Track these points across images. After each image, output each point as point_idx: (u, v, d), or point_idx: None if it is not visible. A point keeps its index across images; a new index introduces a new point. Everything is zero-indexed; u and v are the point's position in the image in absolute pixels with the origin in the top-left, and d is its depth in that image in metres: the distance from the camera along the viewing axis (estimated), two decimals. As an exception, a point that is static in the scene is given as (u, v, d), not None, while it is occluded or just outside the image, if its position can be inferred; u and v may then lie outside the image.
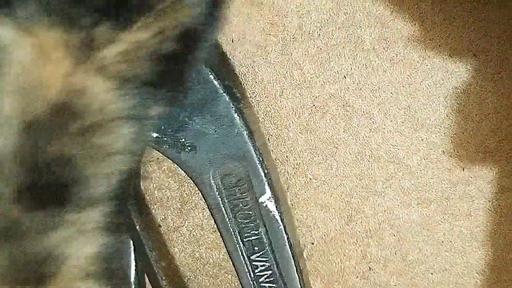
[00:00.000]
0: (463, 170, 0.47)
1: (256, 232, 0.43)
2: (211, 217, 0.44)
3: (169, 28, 0.32)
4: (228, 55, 0.45)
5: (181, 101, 0.38)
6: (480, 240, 0.49)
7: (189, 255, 0.50)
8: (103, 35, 0.30)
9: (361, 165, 0.47)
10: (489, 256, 0.49)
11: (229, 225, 0.43)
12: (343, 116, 0.46)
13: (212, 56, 0.41)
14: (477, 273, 0.49)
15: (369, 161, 0.47)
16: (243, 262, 0.44)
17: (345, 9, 0.44)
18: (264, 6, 0.44)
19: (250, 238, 0.43)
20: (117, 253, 0.37)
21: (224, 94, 0.40)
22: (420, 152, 0.47)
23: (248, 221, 0.43)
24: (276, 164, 0.47)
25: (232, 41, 0.44)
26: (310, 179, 0.48)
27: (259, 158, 0.42)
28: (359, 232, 0.49)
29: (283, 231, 0.43)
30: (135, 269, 0.45)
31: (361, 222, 0.49)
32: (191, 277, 0.50)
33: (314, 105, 0.46)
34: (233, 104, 0.40)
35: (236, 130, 0.41)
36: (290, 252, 0.44)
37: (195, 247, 0.49)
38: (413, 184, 0.48)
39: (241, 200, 0.43)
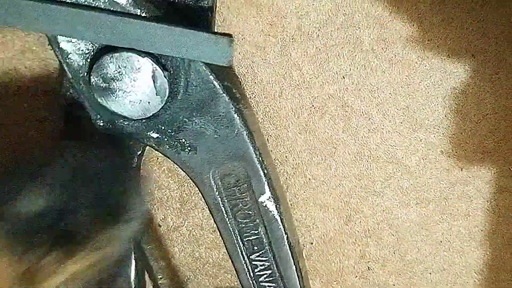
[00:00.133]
0: (462, 170, 0.47)
1: (256, 232, 0.43)
2: (211, 217, 0.44)
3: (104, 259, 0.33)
4: (227, 56, 0.45)
5: None
6: (478, 240, 0.49)
7: (189, 255, 0.50)
8: (48, 266, 0.31)
9: (360, 165, 0.47)
10: (487, 255, 0.49)
11: (229, 225, 0.43)
12: (342, 117, 0.46)
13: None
14: (475, 272, 0.50)
15: (368, 161, 0.47)
16: (243, 261, 0.44)
17: (344, 10, 0.44)
18: (263, 7, 0.44)
19: (250, 238, 0.44)
20: None
21: (224, 94, 0.40)
22: (418, 152, 0.47)
23: (247, 221, 0.43)
24: (276, 164, 0.47)
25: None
26: (309, 179, 0.48)
27: (258, 158, 0.42)
28: (358, 231, 0.49)
29: (283, 231, 0.43)
30: (135, 269, 0.45)
31: (360, 222, 0.49)
32: (191, 276, 0.50)
33: (313, 106, 0.46)
34: (232, 105, 0.40)
35: (236, 130, 0.41)
36: (289, 252, 0.44)
37: (195, 246, 0.50)
38: (411, 184, 0.48)
39: (241, 200, 0.43)
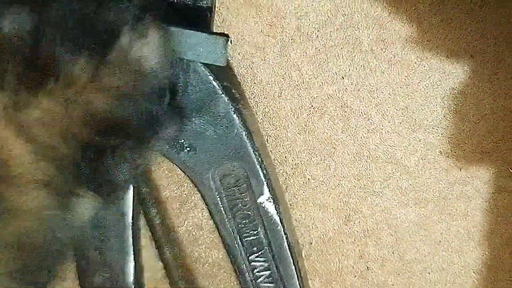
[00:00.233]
0: (460, 170, 0.47)
1: (255, 232, 0.43)
2: (210, 217, 0.44)
3: (79, 103, 0.31)
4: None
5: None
6: (477, 240, 0.49)
7: (188, 255, 0.50)
8: (23, 97, 0.30)
9: (359, 166, 0.47)
10: (486, 255, 0.49)
11: (228, 225, 0.43)
12: (341, 117, 0.46)
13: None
14: (474, 272, 0.50)
15: (367, 161, 0.47)
16: (242, 261, 0.44)
17: (343, 11, 0.44)
18: (263, 8, 0.44)
19: (249, 238, 0.44)
20: None
21: (223, 94, 0.40)
22: (417, 153, 0.47)
23: (247, 221, 0.43)
24: (275, 164, 0.47)
25: (231, 42, 0.44)
26: (308, 179, 0.48)
27: (258, 159, 0.42)
28: (357, 232, 0.49)
29: (282, 231, 0.43)
30: (135, 269, 0.45)
31: (359, 222, 0.49)
32: (190, 276, 0.50)
33: (312, 106, 0.46)
34: (232, 105, 0.40)
35: (235, 131, 0.41)
36: (288, 252, 0.44)
37: (194, 246, 0.49)
38: (410, 184, 0.48)
39: (240, 200, 0.43)
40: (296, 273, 0.45)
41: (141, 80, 0.32)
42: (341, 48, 0.45)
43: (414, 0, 0.44)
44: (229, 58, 0.45)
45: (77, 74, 0.30)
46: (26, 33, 0.30)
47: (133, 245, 0.44)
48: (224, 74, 0.42)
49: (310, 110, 0.46)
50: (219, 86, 0.40)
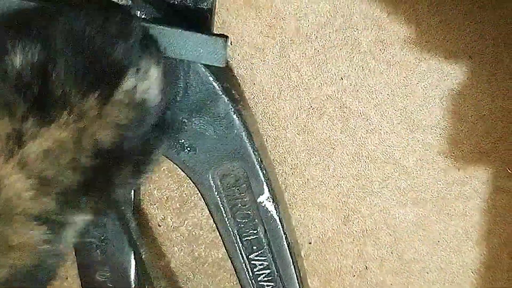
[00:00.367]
0: (459, 170, 0.47)
1: (255, 231, 0.43)
2: (210, 217, 0.44)
3: (88, 135, 0.32)
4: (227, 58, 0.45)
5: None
6: (475, 240, 0.49)
7: (188, 254, 0.50)
8: (29, 129, 0.31)
9: (358, 166, 0.48)
10: (484, 255, 0.49)
11: (228, 224, 0.43)
12: (340, 118, 0.46)
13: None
14: (472, 272, 0.50)
15: (365, 161, 0.47)
16: (242, 261, 0.44)
17: (342, 12, 0.44)
18: (262, 9, 0.44)
19: (249, 238, 0.44)
20: None
21: (223, 95, 0.40)
22: (416, 153, 0.47)
23: (246, 220, 0.43)
24: (274, 164, 0.47)
25: (231, 43, 0.44)
26: (307, 179, 0.48)
27: (257, 159, 0.42)
28: (356, 231, 0.49)
29: (281, 231, 0.43)
30: (135, 269, 0.46)
31: (358, 221, 0.49)
32: (190, 276, 0.50)
33: (311, 107, 0.46)
34: (232, 106, 0.40)
35: (235, 131, 0.41)
36: (288, 251, 0.44)
37: (194, 246, 0.50)
38: (409, 185, 0.48)
39: (240, 200, 0.43)
40: (296, 272, 0.45)
41: (144, 116, 0.34)
42: (340, 49, 0.45)
43: (412, 1, 0.44)
44: (229, 59, 0.45)
45: (86, 110, 0.31)
46: (36, 67, 0.31)
47: (133, 244, 0.45)
48: (224, 75, 0.42)
49: (309, 111, 0.46)
50: (219, 87, 0.40)
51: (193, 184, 0.43)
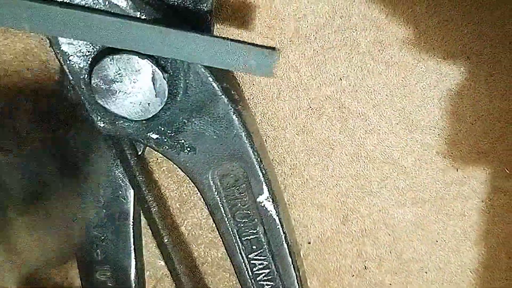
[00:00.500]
0: (457, 170, 0.47)
1: (254, 231, 0.44)
2: (210, 217, 0.44)
3: None
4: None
5: None
6: (473, 239, 0.49)
7: (188, 254, 0.50)
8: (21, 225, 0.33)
9: (356, 166, 0.48)
10: (482, 255, 0.49)
11: (228, 224, 0.43)
12: (339, 118, 0.46)
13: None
14: (470, 271, 0.50)
15: (364, 161, 0.47)
16: (242, 260, 0.44)
17: (341, 13, 0.44)
18: (262, 10, 0.44)
19: (248, 237, 0.44)
20: None
21: (223, 96, 0.40)
22: (414, 153, 0.47)
23: (246, 220, 0.43)
24: (273, 164, 0.48)
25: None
26: (306, 179, 0.48)
27: (257, 159, 0.42)
28: (355, 231, 0.49)
29: (281, 230, 0.44)
30: (135, 269, 0.46)
31: (357, 221, 0.49)
32: (190, 275, 0.50)
33: (310, 107, 0.46)
34: (231, 106, 0.41)
35: (235, 131, 0.41)
36: (287, 251, 0.44)
37: (194, 246, 0.50)
38: (408, 184, 0.48)
39: (240, 200, 0.43)
40: (295, 272, 0.45)
41: None
42: (339, 50, 0.45)
43: (411, 2, 0.44)
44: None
45: None
46: None
47: (134, 244, 0.45)
48: (224, 75, 0.42)
49: (308, 111, 0.46)
50: (218, 88, 0.40)
51: (192, 184, 0.43)
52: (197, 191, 0.43)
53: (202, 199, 0.43)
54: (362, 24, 0.44)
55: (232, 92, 0.41)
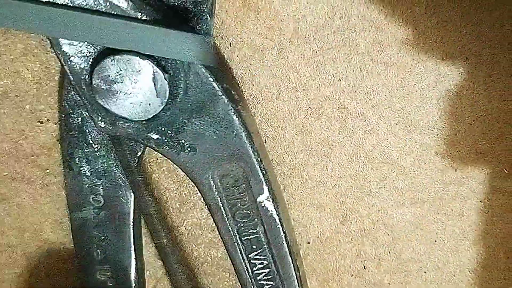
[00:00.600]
0: (456, 171, 0.48)
1: (254, 231, 0.44)
2: (210, 217, 0.44)
3: None
4: (226, 59, 0.45)
5: None
6: (472, 239, 0.49)
7: (188, 254, 0.50)
8: None
9: (355, 166, 0.48)
10: (481, 254, 0.49)
11: (228, 224, 0.43)
12: (338, 118, 0.47)
13: (212, 60, 0.41)
14: (469, 271, 0.50)
15: (363, 162, 0.48)
16: (242, 260, 0.44)
17: (340, 14, 0.44)
18: (261, 11, 0.44)
19: (248, 237, 0.44)
20: None
21: (223, 96, 0.40)
22: (413, 153, 0.47)
23: (246, 220, 0.43)
24: (273, 165, 0.48)
25: (230, 45, 0.45)
26: (306, 179, 0.48)
27: (257, 159, 0.42)
28: (354, 231, 0.49)
29: (281, 230, 0.44)
30: (135, 269, 0.46)
31: (356, 221, 0.49)
32: (190, 275, 0.50)
33: (309, 107, 0.46)
34: (231, 106, 0.41)
35: (235, 132, 0.41)
36: (287, 251, 0.44)
37: (194, 246, 0.50)
38: (406, 185, 0.48)
39: (239, 200, 0.43)
40: (295, 271, 0.45)
41: None
42: (338, 51, 0.45)
43: (410, 3, 0.44)
44: (228, 60, 0.45)
45: None
46: None
47: (134, 244, 0.45)
48: (224, 76, 0.42)
49: (307, 112, 0.46)
50: (218, 88, 0.40)
51: (192, 184, 0.43)
52: (197, 191, 0.43)
53: (202, 199, 0.43)
54: (361, 25, 0.44)
55: (232, 93, 0.41)
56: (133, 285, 0.46)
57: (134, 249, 0.45)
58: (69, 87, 0.42)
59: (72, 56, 0.39)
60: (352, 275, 0.50)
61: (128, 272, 0.46)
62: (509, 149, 0.47)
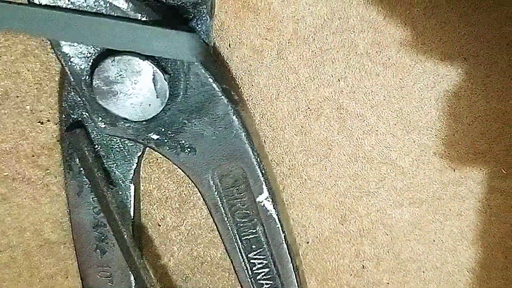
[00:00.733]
0: (454, 171, 0.48)
1: (254, 231, 0.44)
2: (209, 217, 0.44)
3: None
4: (225, 59, 0.45)
5: None
6: (470, 239, 0.49)
7: (188, 254, 0.50)
8: None
9: (354, 166, 0.48)
10: (479, 254, 0.49)
11: (227, 224, 0.43)
12: (337, 119, 0.47)
13: (210, 60, 0.41)
14: (467, 271, 0.50)
15: (362, 162, 0.48)
16: (241, 260, 0.44)
17: (339, 15, 0.44)
18: (261, 12, 0.44)
19: (248, 237, 0.44)
20: None
21: (222, 97, 0.40)
22: (412, 154, 0.47)
23: (245, 220, 0.43)
24: (272, 165, 0.48)
25: (230, 45, 0.45)
26: (305, 179, 0.48)
27: (256, 159, 0.42)
28: (353, 231, 0.49)
29: (280, 230, 0.44)
30: (135, 269, 0.46)
31: (355, 221, 0.49)
32: (189, 275, 0.50)
33: (309, 108, 0.46)
34: (231, 107, 0.41)
35: (234, 132, 0.41)
36: (287, 250, 0.44)
37: (194, 245, 0.50)
38: (405, 185, 0.48)
39: (239, 200, 0.43)
40: (294, 271, 0.45)
41: None
42: (337, 51, 0.45)
43: (408, 4, 0.44)
44: (227, 61, 0.45)
45: None
46: None
47: (134, 244, 0.45)
48: (223, 76, 0.42)
49: (306, 112, 0.47)
50: (218, 88, 0.40)
51: (192, 184, 0.43)
52: (197, 191, 0.43)
53: (202, 199, 0.43)
54: (360, 25, 0.45)
55: (232, 93, 0.41)
56: (133, 285, 0.46)
57: (134, 249, 0.45)
58: (69, 88, 0.42)
59: (72, 57, 0.39)
60: (351, 274, 0.50)
61: (128, 272, 0.46)
62: (507, 150, 0.47)
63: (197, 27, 0.41)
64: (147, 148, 0.43)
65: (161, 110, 0.39)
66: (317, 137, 0.47)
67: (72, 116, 0.43)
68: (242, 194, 0.43)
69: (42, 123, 0.46)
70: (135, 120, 0.40)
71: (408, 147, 0.47)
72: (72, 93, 0.42)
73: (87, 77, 0.39)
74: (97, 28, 0.37)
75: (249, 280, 0.45)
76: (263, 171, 0.42)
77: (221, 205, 0.43)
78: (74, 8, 0.37)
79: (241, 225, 0.44)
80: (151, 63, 0.38)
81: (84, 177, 0.44)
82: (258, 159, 0.42)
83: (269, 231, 0.44)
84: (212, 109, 0.41)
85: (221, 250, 0.49)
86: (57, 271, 0.50)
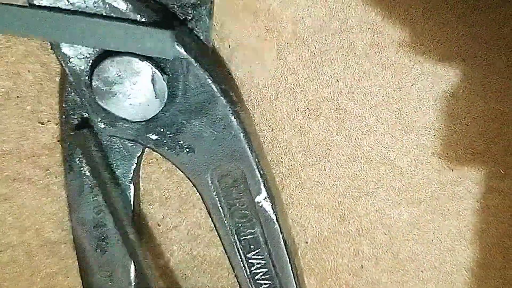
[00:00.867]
0: (452, 171, 0.48)
1: (252, 231, 0.44)
2: (209, 216, 0.44)
3: None
4: (225, 60, 0.45)
5: None
6: (468, 239, 0.49)
7: (187, 253, 0.50)
8: None
9: (353, 166, 0.48)
10: (477, 254, 0.49)
11: (226, 224, 0.44)
12: (336, 119, 0.47)
13: (210, 61, 0.41)
14: (465, 270, 0.50)
15: (361, 162, 0.48)
16: (240, 260, 0.45)
17: (338, 16, 0.44)
18: (260, 13, 0.44)
19: (247, 237, 0.44)
20: None
21: (221, 97, 0.40)
22: (410, 154, 0.47)
23: (244, 220, 0.43)
24: (271, 165, 0.48)
25: (229, 46, 0.45)
26: (304, 179, 0.48)
27: (255, 160, 0.42)
28: (352, 231, 0.49)
29: (279, 230, 0.44)
30: (135, 268, 0.46)
31: (354, 221, 0.49)
32: (189, 274, 0.50)
33: (308, 108, 0.47)
34: (230, 107, 0.41)
35: (233, 132, 0.41)
36: (285, 250, 0.44)
37: (193, 245, 0.50)
38: (403, 185, 0.48)
39: (238, 200, 0.43)
40: (292, 271, 0.45)
41: None
42: (336, 52, 0.45)
43: (407, 5, 0.44)
44: (227, 62, 0.45)
45: None
46: None
47: (133, 244, 0.45)
48: (222, 77, 0.42)
49: (305, 113, 0.47)
50: (217, 89, 0.40)
51: (192, 184, 0.43)
52: (196, 191, 0.43)
53: (201, 199, 0.44)
54: (359, 26, 0.45)
55: (231, 94, 0.41)
56: (133, 285, 0.46)
57: (134, 249, 0.45)
58: (69, 88, 0.42)
59: (72, 57, 0.39)
60: (350, 274, 0.51)
61: (128, 272, 0.46)
62: (506, 150, 0.47)
63: (197, 28, 0.41)
64: (147, 148, 0.43)
65: (160, 111, 0.39)
66: (316, 138, 0.47)
67: (73, 116, 0.43)
68: (241, 194, 0.43)
69: (42, 123, 0.46)
70: (134, 121, 0.40)
71: (406, 147, 0.47)
72: (73, 93, 0.42)
73: (87, 77, 0.39)
74: (97, 30, 0.37)
75: (248, 280, 0.45)
76: (261, 172, 0.42)
77: (220, 205, 0.43)
78: (73, 9, 0.37)
79: (240, 225, 0.44)
80: (150, 64, 0.38)
81: (84, 177, 0.44)
82: (257, 159, 0.42)
83: (268, 231, 0.44)
84: (211, 110, 0.41)
85: (221, 250, 0.48)
86: (58, 271, 0.50)
